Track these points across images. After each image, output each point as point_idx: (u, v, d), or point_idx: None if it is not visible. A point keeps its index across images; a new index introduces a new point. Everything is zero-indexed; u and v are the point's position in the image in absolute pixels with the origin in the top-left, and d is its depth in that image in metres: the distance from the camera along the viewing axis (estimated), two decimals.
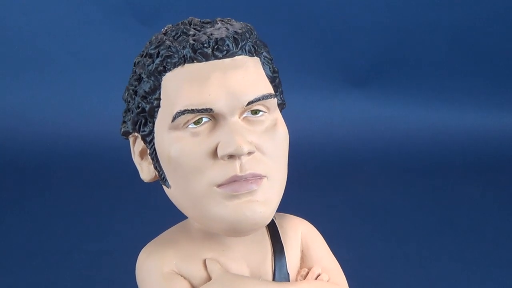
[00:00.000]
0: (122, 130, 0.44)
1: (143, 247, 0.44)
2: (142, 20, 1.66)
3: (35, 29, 1.64)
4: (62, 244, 1.03)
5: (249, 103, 0.37)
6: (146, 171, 0.44)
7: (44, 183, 1.33)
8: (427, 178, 1.45)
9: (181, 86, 0.37)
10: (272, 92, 0.39)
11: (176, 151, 0.38)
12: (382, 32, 1.69)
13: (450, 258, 1.01)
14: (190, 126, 0.37)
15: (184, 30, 0.38)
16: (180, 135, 0.37)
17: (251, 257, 0.42)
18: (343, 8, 1.68)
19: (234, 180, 0.36)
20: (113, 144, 1.53)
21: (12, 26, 1.63)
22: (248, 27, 0.40)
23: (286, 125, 0.42)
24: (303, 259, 0.45)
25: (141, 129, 0.41)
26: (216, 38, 0.37)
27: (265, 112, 0.38)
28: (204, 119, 0.37)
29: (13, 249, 1.00)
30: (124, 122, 0.44)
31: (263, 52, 0.41)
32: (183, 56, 0.37)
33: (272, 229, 0.44)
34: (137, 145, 0.44)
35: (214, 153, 0.37)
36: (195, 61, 0.37)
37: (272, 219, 0.44)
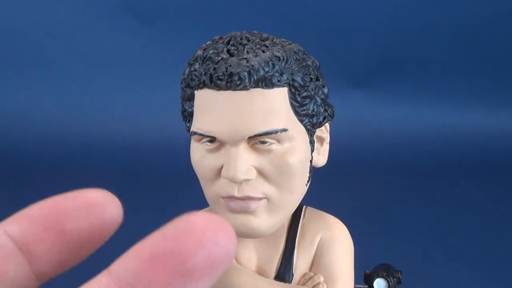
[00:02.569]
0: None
1: None
2: (142, 20, 1.66)
3: (36, 29, 1.64)
4: None
5: (251, 137, 0.39)
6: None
7: (43, 182, 1.33)
8: (428, 177, 1.45)
9: (200, 107, 0.41)
10: (281, 127, 0.40)
11: (196, 160, 0.42)
12: (383, 32, 1.69)
13: (452, 257, 1.01)
14: (206, 142, 0.41)
15: (212, 55, 0.40)
16: (199, 147, 0.42)
17: (263, 250, 0.46)
18: (343, 8, 1.68)
19: (231, 198, 0.40)
20: (114, 143, 1.53)
21: (12, 26, 1.63)
22: (277, 57, 0.40)
23: None
24: (314, 265, 0.46)
25: (185, 124, 0.45)
26: (231, 72, 0.38)
27: (274, 143, 0.40)
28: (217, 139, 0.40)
29: None
30: None
31: (293, 80, 0.41)
32: (203, 81, 0.40)
33: (293, 229, 0.46)
34: None
35: (221, 170, 0.41)
36: (212, 89, 0.40)
37: (299, 218, 0.46)
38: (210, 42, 0.43)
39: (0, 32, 1.64)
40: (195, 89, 0.41)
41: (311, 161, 0.43)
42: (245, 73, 0.39)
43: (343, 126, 1.69)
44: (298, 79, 0.41)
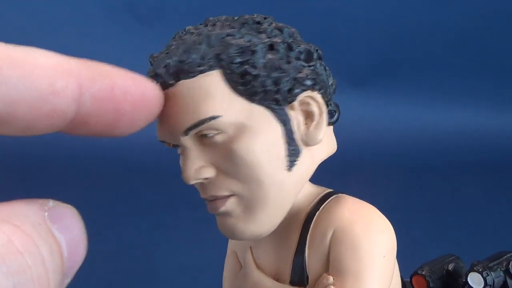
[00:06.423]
0: None
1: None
2: (142, 20, 1.66)
3: (35, 29, 1.64)
4: None
5: (186, 132, 0.36)
6: None
7: (43, 182, 1.33)
8: (427, 177, 1.45)
9: None
10: (209, 115, 0.35)
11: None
12: (382, 32, 1.69)
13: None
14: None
15: (151, 59, 0.39)
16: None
17: (279, 250, 0.41)
18: (343, 8, 1.68)
19: (205, 200, 0.37)
20: (113, 144, 1.53)
21: (12, 26, 1.63)
22: (193, 41, 0.37)
23: None
24: (330, 264, 0.39)
25: None
26: (156, 73, 0.36)
27: (216, 133, 0.36)
28: None
29: None
30: None
31: (221, 59, 0.36)
32: None
33: (306, 224, 0.40)
34: None
35: None
36: None
37: (318, 206, 0.40)
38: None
39: None
40: None
41: (289, 142, 0.37)
42: (163, 69, 0.36)
43: (342, 125, 1.69)
44: (229, 57, 0.36)
